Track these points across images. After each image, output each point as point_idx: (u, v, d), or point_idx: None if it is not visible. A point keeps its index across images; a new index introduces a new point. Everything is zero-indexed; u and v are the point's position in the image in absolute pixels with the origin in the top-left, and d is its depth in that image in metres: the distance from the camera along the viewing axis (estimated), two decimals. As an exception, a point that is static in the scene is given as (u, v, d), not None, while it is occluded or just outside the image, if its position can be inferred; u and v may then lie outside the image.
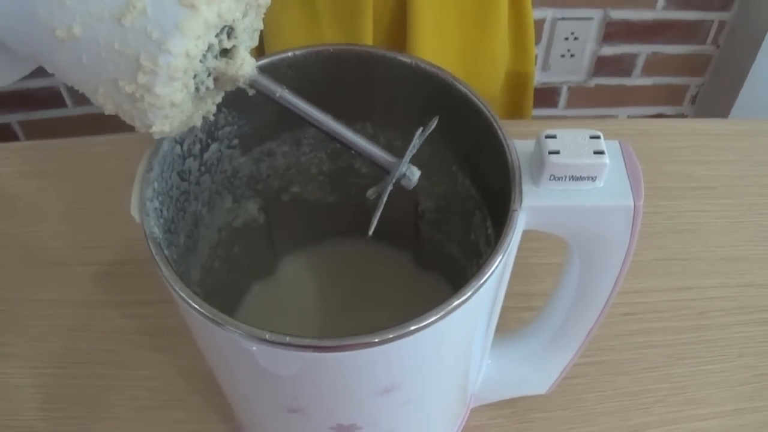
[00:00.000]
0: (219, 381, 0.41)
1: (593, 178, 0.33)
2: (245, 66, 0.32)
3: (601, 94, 1.45)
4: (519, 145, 0.35)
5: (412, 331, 0.29)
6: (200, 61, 0.30)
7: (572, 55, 1.37)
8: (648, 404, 0.55)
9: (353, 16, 0.66)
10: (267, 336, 0.29)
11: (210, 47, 0.30)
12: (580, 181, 0.33)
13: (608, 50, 1.37)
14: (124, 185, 0.65)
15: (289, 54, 0.39)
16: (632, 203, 0.33)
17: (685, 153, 0.71)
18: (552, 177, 0.33)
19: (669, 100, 1.49)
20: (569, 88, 1.44)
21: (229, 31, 0.31)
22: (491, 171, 0.37)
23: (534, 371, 0.49)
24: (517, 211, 0.33)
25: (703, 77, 1.45)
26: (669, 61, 1.40)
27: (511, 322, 0.53)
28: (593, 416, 0.54)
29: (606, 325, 0.58)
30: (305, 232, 0.50)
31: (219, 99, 0.35)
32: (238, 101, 0.39)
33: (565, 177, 0.33)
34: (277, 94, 0.33)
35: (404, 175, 0.34)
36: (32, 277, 0.60)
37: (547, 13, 1.30)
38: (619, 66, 1.41)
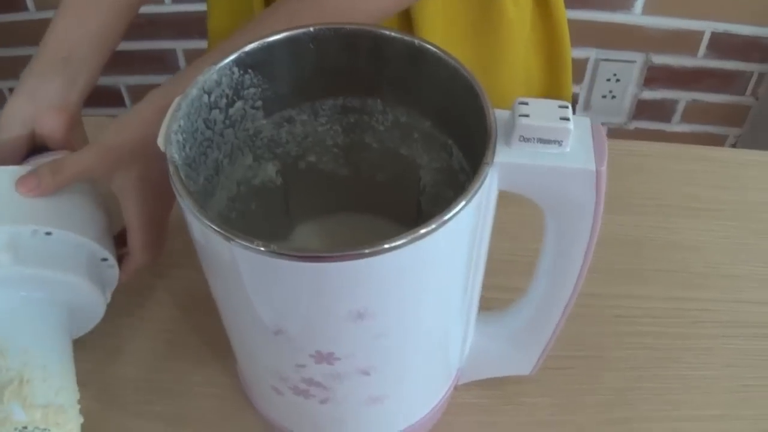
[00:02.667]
0: (220, 310, 0.45)
1: (559, 143, 0.37)
2: None
3: (640, 138, 1.45)
4: (499, 113, 0.39)
5: (384, 249, 0.33)
6: None
7: (614, 97, 1.40)
8: (632, 401, 0.57)
9: None
10: (255, 243, 0.33)
11: None
12: (547, 144, 0.37)
13: (649, 94, 1.40)
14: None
15: (311, 29, 0.44)
16: (594, 168, 0.37)
17: (696, 177, 0.73)
18: (521, 138, 0.37)
19: (707, 149, 1.50)
20: (609, 130, 1.47)
21: None
22: (478, 141, 0.41)
23: (516, 350, 0.52)
24: (488, 164, 0.37)
25: (742, 128, 1.46)
26: (708, 110, 1.42)
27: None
28: (577, 406, 0.56)
29: (599, 323, 0.61)
30: (319, 203, 0.54)
31: None
32: (263, 66, 0.44)
33: (534, 139, 0.37)
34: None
35: None
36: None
37: (590, 54, 1.33)
38: (660, 111, 1.42)
